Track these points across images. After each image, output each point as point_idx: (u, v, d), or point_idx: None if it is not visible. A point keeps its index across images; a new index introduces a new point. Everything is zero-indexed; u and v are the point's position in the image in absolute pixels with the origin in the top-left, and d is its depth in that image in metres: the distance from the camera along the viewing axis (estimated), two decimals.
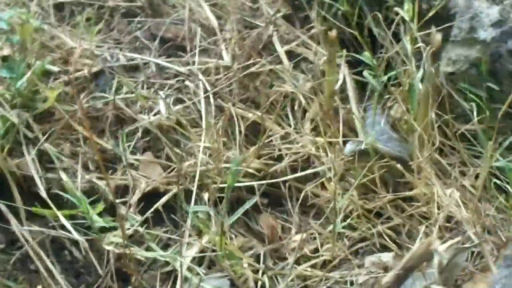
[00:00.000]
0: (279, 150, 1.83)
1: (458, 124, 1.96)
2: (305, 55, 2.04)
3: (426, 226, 1.76)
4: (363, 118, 1.96)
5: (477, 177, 1.83)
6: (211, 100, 1.84)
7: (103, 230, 1.66)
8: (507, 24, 1.91)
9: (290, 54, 2.03)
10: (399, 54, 2.00)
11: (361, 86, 2.02)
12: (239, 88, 1.88)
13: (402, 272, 1.59)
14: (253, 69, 1.89)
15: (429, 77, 1.87)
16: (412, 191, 1.80)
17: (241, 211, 1.64)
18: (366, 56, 1.93)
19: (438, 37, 1.86)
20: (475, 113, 1.89)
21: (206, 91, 1.85)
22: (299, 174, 1.80)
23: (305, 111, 1.93)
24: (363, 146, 1.77)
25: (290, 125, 1.88)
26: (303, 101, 1.90)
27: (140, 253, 1.63)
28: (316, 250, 1.74)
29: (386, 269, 1.67)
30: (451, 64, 1.98)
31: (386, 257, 1.70)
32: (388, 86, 1.99)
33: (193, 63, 1.91)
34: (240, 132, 1.81)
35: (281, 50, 2.00)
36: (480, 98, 1.93)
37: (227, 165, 1.76)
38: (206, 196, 1.71)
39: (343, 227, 1.75)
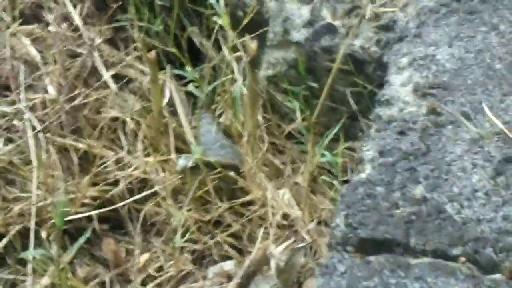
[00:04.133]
0: (114, 175, 1.86)
1: (285, 124, 2.04)
2: (132, 76, 2.08)
3: (265, 228, 1.83)
4: (196, 128, 2.02)
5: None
6: (41, 136, 1.86)
7: None
8: (318, 23, 1.99)
9: (117, 77, 2.07)
10: (223, 62, 2.07)
11: (194, 98, 2.08)
12: (68, 120, 1.90)
13: (243, 280, 1.67)
14: (79, 99, 1.92)
15: (250, 83, 1.94)
16: (248, 196, 1.87)
17: (76, 246, 1.67)
18: (188, 71, 1.98)
19: (252, 45, 1.93)
20: (298, 113, 1.98)
21: (34, 128, 1.87)
22: (135, 197, 1.85)
23: (136, 133, 1.97)
24: (191, 161, 1.83)
25: (122, 149, 1.92)
26: (132, 124, 1.93)
27: None
28: (161, 268, 1.79)
29: (229, 277, 1.74)
30: (271, 67, 2.06)
31: (228, 265, 1.76)
32: (216, 94, 2.05)
33: (19, 100, 1.92)
34: (72, 164, 1.84)
35: (106, 74, 2.03)
36: (303, 97, 2.01)
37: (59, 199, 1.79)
38: (44, 233, 1.74)
39: (185, 241, 1.81)
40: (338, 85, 1.98)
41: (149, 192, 1.86)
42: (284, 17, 2.02)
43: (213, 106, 2.04)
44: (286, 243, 1.70)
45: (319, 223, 1.83)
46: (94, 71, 2.05)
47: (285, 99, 2.04)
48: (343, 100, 2.01)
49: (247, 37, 1.96)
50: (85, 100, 1.93)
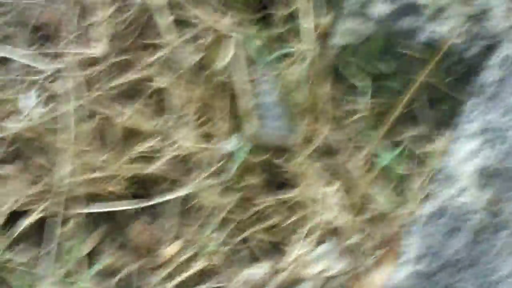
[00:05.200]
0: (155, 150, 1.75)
1: (350, 97, 1.86)
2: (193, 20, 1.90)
3: (308, 230, 1.72)
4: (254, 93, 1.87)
5: None
6: (82, 102, 1.74)
7: None
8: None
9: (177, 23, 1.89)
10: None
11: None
12: (114, 82, 1.77)
13: None
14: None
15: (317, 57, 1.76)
16: (294, 191, 1.74)
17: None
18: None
19: (324, 21, 1.73)
20: (368, 96, 1.79)
21: (79, 90, 1.74)
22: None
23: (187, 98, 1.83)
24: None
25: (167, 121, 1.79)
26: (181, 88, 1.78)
27: None
28: (190, 260, 1.71)
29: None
30: (344, 36, 1.85)
31: (257, 274, 1.68)
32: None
33: (66, 55, 1.79)
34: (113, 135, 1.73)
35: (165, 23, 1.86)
36: (373, 76, 1.82)
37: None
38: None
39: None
40: (411, 74, 1.77)
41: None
42: None
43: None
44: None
45: None
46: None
47: (354, 73, 1.85)
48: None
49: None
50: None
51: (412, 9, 1.76)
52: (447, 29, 1.72)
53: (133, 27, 1.81)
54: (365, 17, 1.79)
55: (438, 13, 1.74)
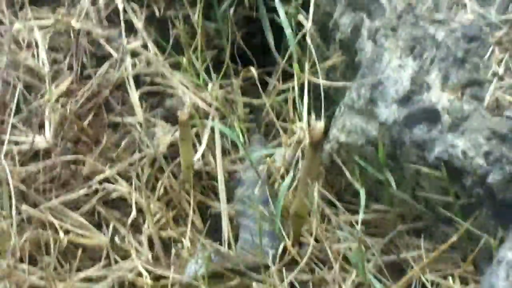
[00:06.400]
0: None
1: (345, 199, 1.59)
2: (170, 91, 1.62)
3: None
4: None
5: None
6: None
7: None
8: (418, 98, 1.49)
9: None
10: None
11: None
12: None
13: None
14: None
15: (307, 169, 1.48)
16: None
17: None
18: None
19: (319, 125, 1.43)
20: (362, 201, 1.51)
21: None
22: None
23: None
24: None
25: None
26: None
27: None
28: None
29: None
30: (346, 132, 1.57)
31: None
32: None
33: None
34: None
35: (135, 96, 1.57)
36: (375, 183, 1.54)
37: None
38: None
39: None
40: (422, 187, 1.49)
41: None
42: (376, 78, 1.50)
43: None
44: None
45: None
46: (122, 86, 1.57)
47: (352, 173, 1.56)
48: (426, 202, 1.53)
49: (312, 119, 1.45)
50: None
51: (428, 115, 1.46)
52: (467, 144, 1.43)
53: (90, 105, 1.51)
54: (372, 117, 1.50)
55: (458, 122, 1.44)
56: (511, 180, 1.41)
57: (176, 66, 1.63)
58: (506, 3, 1.53)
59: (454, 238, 1.41)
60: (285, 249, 1.50)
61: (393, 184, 1.49)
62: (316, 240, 1.53)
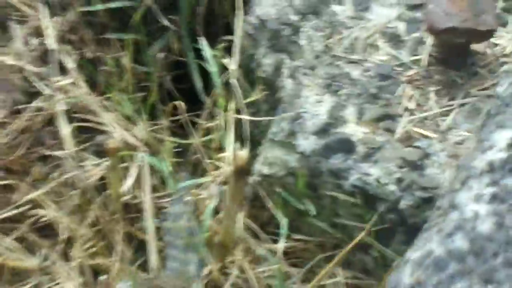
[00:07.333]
0: None
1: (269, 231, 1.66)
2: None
3: None
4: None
5: None
6: None
7: None
8: (335, 130, 1.57)
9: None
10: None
11: None
12: None
13: None
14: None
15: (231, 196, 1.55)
16: None
17: None
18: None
19: (242, 154, 1.51)
20: (284, 229, 1.58)
21: None
22: None
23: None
24: None
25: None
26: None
27: None
28: None
29: None
30: (267, 165, 1.64)
31: None
32: None
33: None
34: None
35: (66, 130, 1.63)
36: (295, 213, 1.62)
37: None
38: None
39: None
40: (340, 215, 1.57)
41: None
42: (295, 112, 1.59)
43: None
44: None
45: None
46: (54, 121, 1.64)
47: (275, 205, 1.64)
48: (343, 229, 1.61)
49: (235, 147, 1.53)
50: None
51: (344, 146, 1.55)
52: (380, 172, 1.52)
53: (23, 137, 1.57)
54: (292, 148, 1.59)
55: (372, 152, 1.54)
56: (421, 205, 1.49)
57: (106, 105, 1.70)
58: (415, 45, 1.65)
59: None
60: (209, 275, 1.56)
61: (313, 212, 1.56)
62: (241, 270, 1.59)
